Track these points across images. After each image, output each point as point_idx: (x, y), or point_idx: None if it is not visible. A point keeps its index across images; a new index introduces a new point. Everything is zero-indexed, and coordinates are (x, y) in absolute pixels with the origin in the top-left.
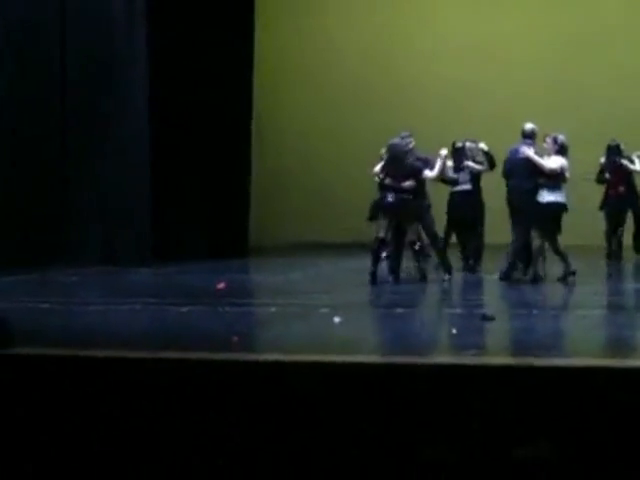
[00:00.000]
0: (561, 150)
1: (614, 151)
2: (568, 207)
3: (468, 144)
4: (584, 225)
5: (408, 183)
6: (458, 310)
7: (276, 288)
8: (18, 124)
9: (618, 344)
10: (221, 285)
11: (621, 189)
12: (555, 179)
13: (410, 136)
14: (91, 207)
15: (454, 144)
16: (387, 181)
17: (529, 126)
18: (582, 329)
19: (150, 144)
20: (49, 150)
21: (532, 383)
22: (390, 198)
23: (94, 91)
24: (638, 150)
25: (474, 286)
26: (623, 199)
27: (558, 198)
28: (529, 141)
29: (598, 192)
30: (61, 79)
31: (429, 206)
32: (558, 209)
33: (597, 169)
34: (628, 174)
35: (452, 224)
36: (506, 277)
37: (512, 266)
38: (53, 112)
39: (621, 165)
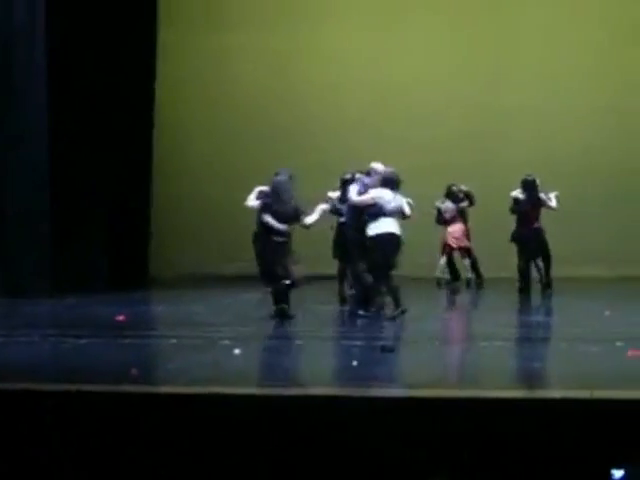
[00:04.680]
0: (384, 182)
1: (532, 186)
2: (397, 239)
3: (358, 175)
4: (495, 257)
5: (284, 227)
6: (359, 342)
7: (176, 320)
8: None
9: (524, 376)
10: (120, 317)
11: (537, 225)
12: (372, 212)
13: (292, 177)
14: None
15: (343, 178)
16: (270, 221)
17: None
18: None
19: (49, 177)
20: None
21: (442, 415)
22: (277, 238)
23: None
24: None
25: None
26: (538, 234)
27: (378, 230)
28: (364, 178)
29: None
30: None
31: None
32: (378, 242)
33: (510, 201)
34: (540, 211)
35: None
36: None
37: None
38: None
39: (539, 200)
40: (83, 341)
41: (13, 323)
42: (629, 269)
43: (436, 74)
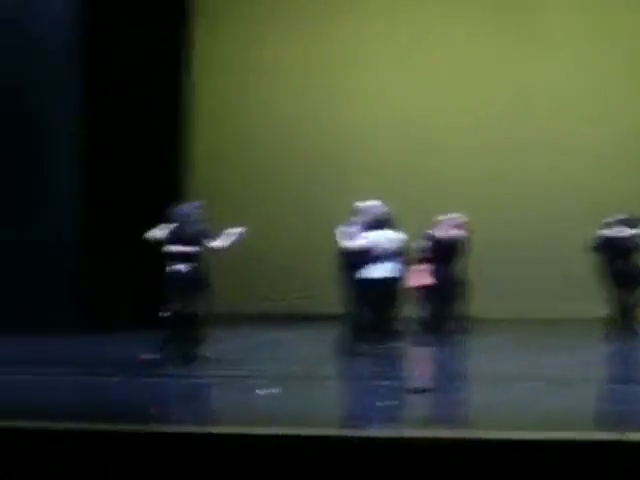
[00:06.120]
0: (375, 224)
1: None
2: (384, 281)
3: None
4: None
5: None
6: (387, 383)
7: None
8: None
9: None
10: (147, 356)
11: None
12: (366, 255)
13: (200, 207)
14: (18, 276)
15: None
16: (173, 248)
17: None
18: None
19: (80, 213)
20: None
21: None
22: (182, 267)
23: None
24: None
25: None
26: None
27: (369, 274)
28: (355, 219)
29: None
30: None
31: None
32: (366, 285)
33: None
34: None
35: None
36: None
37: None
38: None
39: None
40: (113, 379)
41: (42, 362)
42: None
43: (459, 105)
